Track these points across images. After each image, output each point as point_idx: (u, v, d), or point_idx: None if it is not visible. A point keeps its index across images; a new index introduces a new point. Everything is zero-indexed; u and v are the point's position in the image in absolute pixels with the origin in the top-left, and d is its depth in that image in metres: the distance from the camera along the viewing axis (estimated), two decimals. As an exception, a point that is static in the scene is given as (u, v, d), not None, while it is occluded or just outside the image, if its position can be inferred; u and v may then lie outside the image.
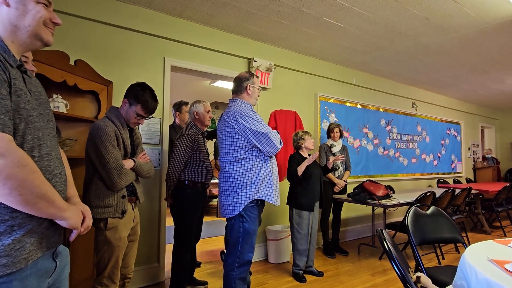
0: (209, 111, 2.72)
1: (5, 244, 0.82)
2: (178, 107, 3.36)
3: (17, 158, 0.82)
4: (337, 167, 3.81)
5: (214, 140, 3.06)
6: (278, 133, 2.13)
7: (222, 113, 2.16)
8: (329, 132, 3.89)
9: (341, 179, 3.80)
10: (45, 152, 0.95)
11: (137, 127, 2.05)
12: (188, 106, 3.13)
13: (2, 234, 0.83)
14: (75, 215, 1.00)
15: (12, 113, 0.85)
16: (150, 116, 1.96)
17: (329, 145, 3.85)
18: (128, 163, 1.83)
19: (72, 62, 2.28)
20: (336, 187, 3.75)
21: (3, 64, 0.85)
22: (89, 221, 1.08)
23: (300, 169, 2.99)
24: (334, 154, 3.80)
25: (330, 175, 3.73)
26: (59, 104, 2.16)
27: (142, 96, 1.86)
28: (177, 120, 3.37)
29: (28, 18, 0.91)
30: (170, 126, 3.23)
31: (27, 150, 0.89)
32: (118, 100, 2.60)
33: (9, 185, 0.80)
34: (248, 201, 2.00)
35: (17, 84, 0.88)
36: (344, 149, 3.94)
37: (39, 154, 0.93)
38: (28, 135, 0.90)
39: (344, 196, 3.76)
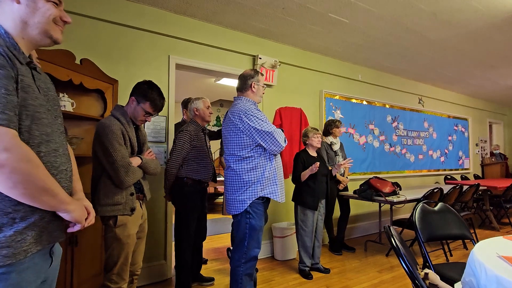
0: (208, 106, 2.72)
1: (6, 235, 0.84)
2: (185, 104, 3.38)
3: (21, 153, 0.84)
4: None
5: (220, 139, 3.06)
6: (283, 131, 2.13)
7: (227, 111, 2.17)
8: (331, 128, 3.76)
9: (343, 175, 3.78)
10: (52, 148, 0.97)
11: (142, 125, 2.06)
12: None
13: (4, 225, 0.85)
14: (79, 209, 1.02)
15: (19, 108, 0.87)
16: (157, 114, 1.98)
17: (329, 143, 3.78)
18: (135, 161, 1.85)
19: (77, 61, 2.29)
20: (341, 184, 3.73)
21: (12, 61, 0.87)
22: (92, 218, 1.10)
23: (303, 176, 2.99)
24: (335, 152, 3.77)
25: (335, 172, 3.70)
26: (65, 103, 2.18)
27: (151, 94, 1.88)
28: (184, 117, 3.40)
29: (38, 15, 0.94)
30: (178, 124, 3.25)
31: (34, 145, 0.90)
32: (123, 98, 2.61)
33: (14, 179, 0.82)
34: (254, 199, 2.02)
35: (25, 80, 0.90)
36: (341, 146, 3.90)
37: (46, 150, 0.95)
38: (35, 131, 0.92)
39: (350, 193, 3.74)
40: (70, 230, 1.04)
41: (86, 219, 1.07)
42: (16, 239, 0.85)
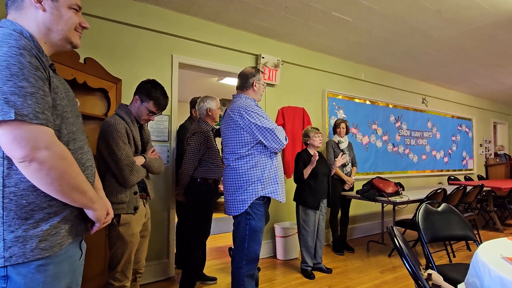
0: (219, 107, 2.76)
1: (43, 229, 0.89)
2: (194, 103, 3.35)
3: (59, 151, 0.89)
4: (346, 164, 3.79)
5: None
6: (283, 129, 2.12)
7: (226, 109, 2.15)
8: (335, 128, 3.90)
9: (349, 176, 3.79)
10: (78, 146, 1.03)
11: (146, 124, 2.07)
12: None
13: (41, 220, 0.90)
14: (102, 208, 1.06)
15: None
16: (160, 113, 1.98)
17: (336, 142, 3.84)
18: (139, 160, 1.86)
19: (81, 60, 2.30)
20: (347, 184, 3.74)
21: (44, 64, 0.91)
22: (109, 219, 1.14)
23: (306, 173, 3.00)
24: (342, 150, 3.80)
25: (340, 172, 3.71)
26: (69, 101, 2.19)
27: (154, 93, 1.88)
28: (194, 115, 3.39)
29: (61, 23, 1.00)
30: (182, 125, 3.25)
31: (63, 143, 0.95)
32: (127, 97, 2.62)
33: (52, 176, 0.87)
34: (254, 198, 1.97)
35: (55, 82, 0.95)
36: (350, 146, 3.94)
37: (73, 148, 1.00)
38: (64, 130, 0.97)
39: (353, 193, 3.74)
40: (92, 231, 1.08)
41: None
42: (51, 233, 0.90)
